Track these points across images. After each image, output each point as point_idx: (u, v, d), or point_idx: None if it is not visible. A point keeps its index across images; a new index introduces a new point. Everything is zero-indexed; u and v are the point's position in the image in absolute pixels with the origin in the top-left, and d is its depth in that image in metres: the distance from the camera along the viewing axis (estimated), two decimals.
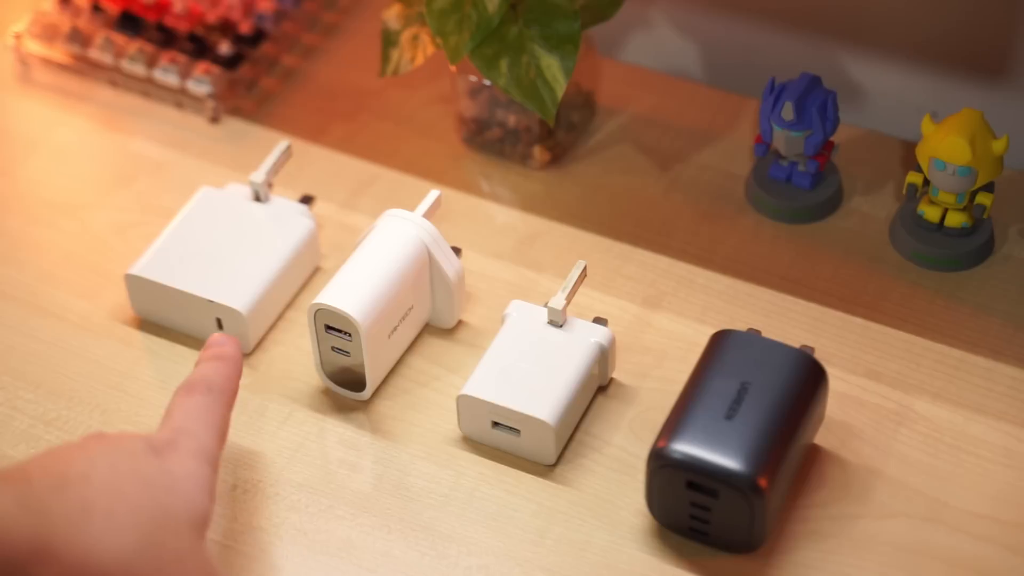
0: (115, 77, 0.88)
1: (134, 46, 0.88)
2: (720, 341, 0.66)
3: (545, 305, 0.70)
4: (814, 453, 0.68)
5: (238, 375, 0.63)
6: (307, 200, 0.78)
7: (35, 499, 0.52)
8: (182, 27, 0.89)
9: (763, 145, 0.79)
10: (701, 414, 0.62)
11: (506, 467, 0.68)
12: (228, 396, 0.62)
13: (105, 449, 0.56)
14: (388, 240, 0.71)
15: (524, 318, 0.70)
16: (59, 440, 0.69)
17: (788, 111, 0.76)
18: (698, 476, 0.61)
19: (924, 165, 0.74)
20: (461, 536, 0.65)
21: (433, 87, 0.87)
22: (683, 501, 0.62)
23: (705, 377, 0.64)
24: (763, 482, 0.61)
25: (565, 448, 0.68)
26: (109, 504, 0.53)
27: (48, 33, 0.90)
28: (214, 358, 0.63)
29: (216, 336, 0.64)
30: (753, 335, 0.67)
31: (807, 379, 0.65)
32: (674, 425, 0.62)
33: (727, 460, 0.61)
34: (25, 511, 0.52)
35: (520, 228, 0.80)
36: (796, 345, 0.66)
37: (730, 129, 0.85)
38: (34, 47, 0.90)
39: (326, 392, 0.72)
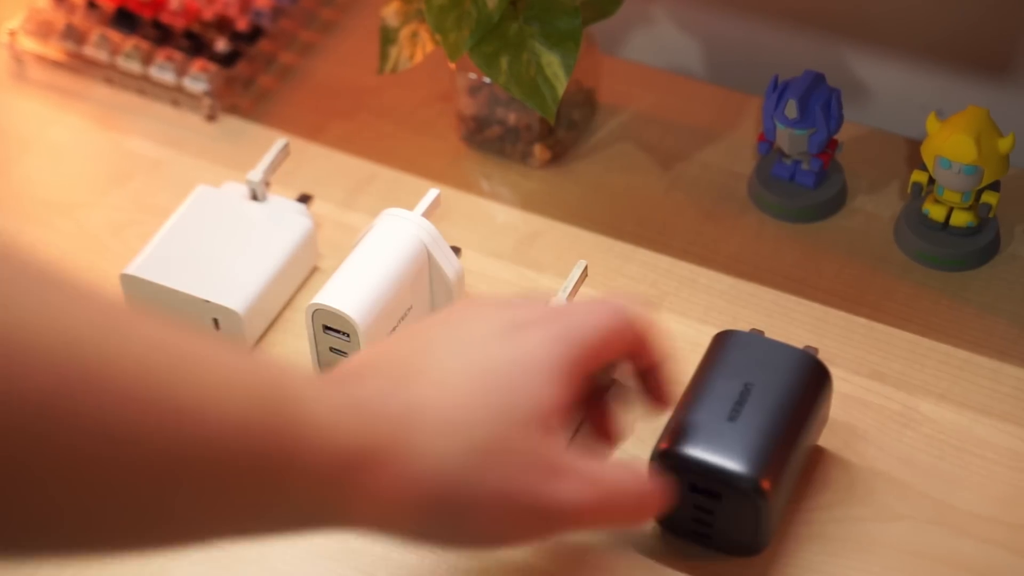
0: (111, 75, 0.88)
1: (130, 43, 0.87)
2: (723, 342, 0.66)
3: None
4: (818, 455, 0.67)
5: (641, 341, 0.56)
6: (305, 199, 0.78)
7: (366, 400, 0.48)
8: (178, 24, 0.89)
9: (766, 143, 0.79)
10: (703, 415, 0.62)
11: None
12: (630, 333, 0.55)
13: (454, 335, 0.51)
14: (387, 240, 0.70)
15: None
16: None
17: (792, 109, 0.75)
18: (701, 478, 0.61)
19: (929, 163, 0.74)
20: None
21: (432, 85, 0.87)
22: (685, 503, 0.62)
23: (708, 378, 0.64)
24: (766, 484, 0.60)
25: None
26: (454, 398, 0.49)
27: (43, 30, 0.89)
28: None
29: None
30: (756, 336, 0.66)
31: (811, 380, 0.64)
32: (676, 427, 0.62)
33: (730, 462, 0.60)
34: (356, 412, 0.47)
35: (520, 227, 0.80)
36: (800, 346, 0.66)
37: (733, 127, 0.85)
38: (28, 44, 0.89)
39: None
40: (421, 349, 0.51)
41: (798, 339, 0.72)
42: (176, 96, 0.87)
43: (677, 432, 0.62)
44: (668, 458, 0.61)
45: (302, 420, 0.45)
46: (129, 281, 0.73)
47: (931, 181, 0.75)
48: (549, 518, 0.50)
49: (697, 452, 0.61)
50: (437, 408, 0.48)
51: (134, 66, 0.87)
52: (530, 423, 0.49)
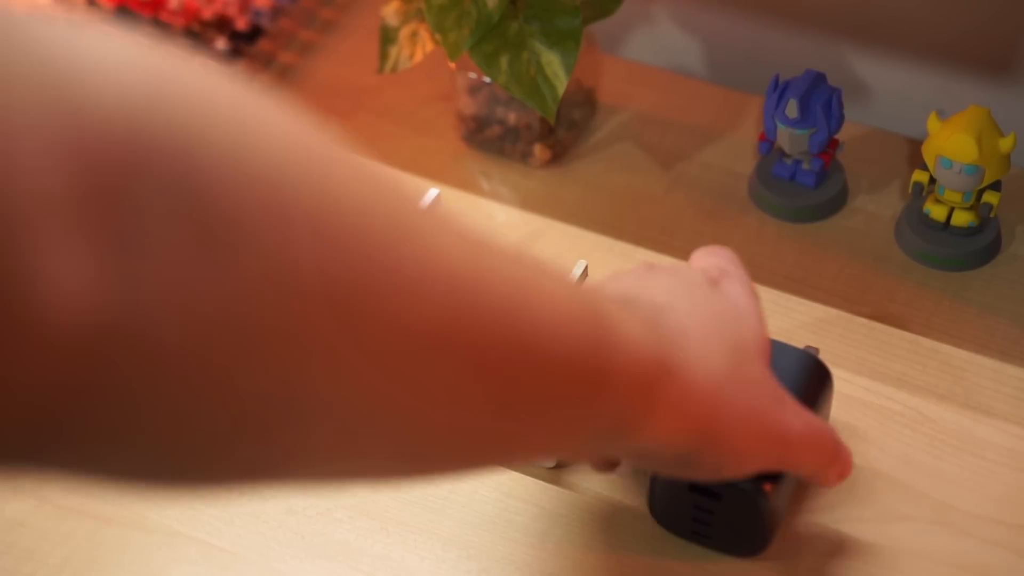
0: None
1: None
2: None
3: None
4: None
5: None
6: None
7: (650, 318, 0.51)
8: (177, 23, 0.88)
9: (767, 143, 0.78)
10: None
11: (506, 469, 0.67)
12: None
13: (676, 281, 0.56)
14: None
15: None
16: None
17: (792, 108, 0.75)
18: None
19: (930, 163, 0.74)
20: (460, 539, 0.65)
21: (432, 84, 0.87)
22: (686, 504, 0.62)
23: None
24: (767, 486, 0.60)
25: None
26: (699, 330, 0.53)
27: None
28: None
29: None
30: None
31: (811, 380, 0.64)
32: None
33: None
34: (651, 328, 0.51)
35: (520, 227, 0.79)
36: (800, 345, 0.66)
37: (733, 127, 0.84)
38: None
39: None
40: (657, 288, 0.54)
41: (799, 339, 0.72)
42: None
43: None
44: None
45: (619, 332, 0.48)
46: None
47: (932, 181, 0.75)
48: (783, 442, 0.56)
49: None
50: (694, 336, 0.52)
51: None
52: (757, 357, 0.55)
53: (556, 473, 0.67)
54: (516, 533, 0.65)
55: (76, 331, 0.31)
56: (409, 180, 0.82)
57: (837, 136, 0.78)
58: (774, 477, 0.60)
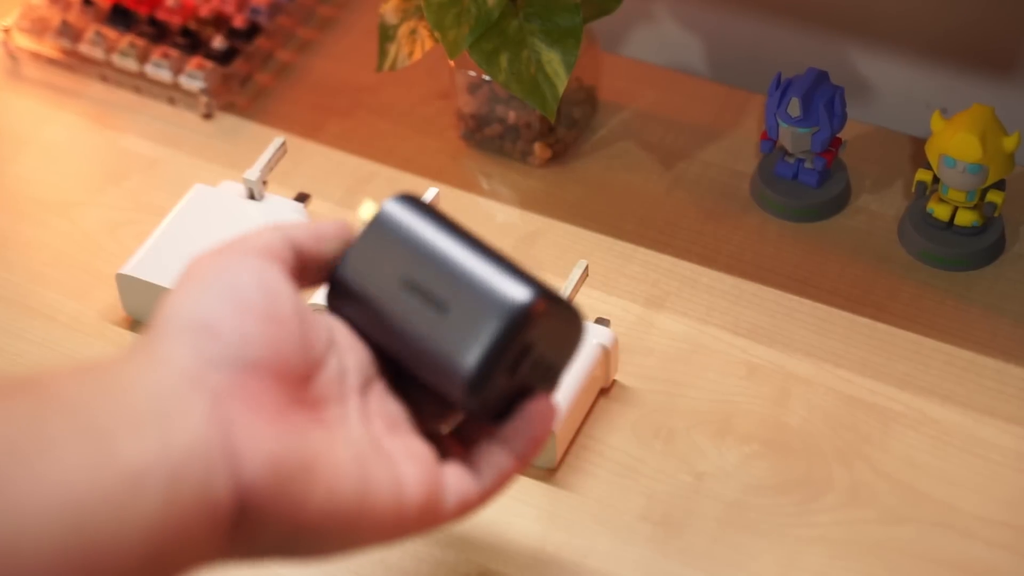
0: (106, 72, 0.87)
1: (125, 40, 0.87)
2: None
3: None
4: (821, 457, 0.67)
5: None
6: (302, 198, 0.78)
7: None
8: (175, 21, 0.88)
9: (769, 142, 0.78)
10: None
11: None
12: None
13: None
14: None
15: None
16: None
17: (795, 107, 0.75)
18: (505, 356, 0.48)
19: (934, 162, 0.74)
20: (460, 542, 0.64)
21: (431, 83, 0.86)
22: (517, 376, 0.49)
23: None
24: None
25: (566, 452, 0.68)
26: None
27: (38, 27, 0.89)
28: None
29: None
30: None
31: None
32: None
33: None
34: None
35: (520, 227, 0.79)
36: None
37: (735, 125, 0.84)
38: (23, 41, 0.89)
39: None
40: None
41: (800, 339, 0.72)
42: (172, 94, 0.86)
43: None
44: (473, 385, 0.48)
45: None
46: (125, 281, 0.72)
47: (935, 180, 0.75)
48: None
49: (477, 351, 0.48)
50: None
51: (130, 64, 0.86)
52: None
53: (556, 475, 0.67)
54: (516, 535, 0.64)
55: None
56: (410, 180, 0.81)
57: (840, 135, 0.78)
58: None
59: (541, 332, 0.48)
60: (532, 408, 0.49)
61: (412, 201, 0.50)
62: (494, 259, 0.49)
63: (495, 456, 0.48)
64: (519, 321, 0.47)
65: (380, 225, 0.49)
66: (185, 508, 0.41)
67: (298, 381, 0.45)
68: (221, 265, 0.47)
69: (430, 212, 0.50)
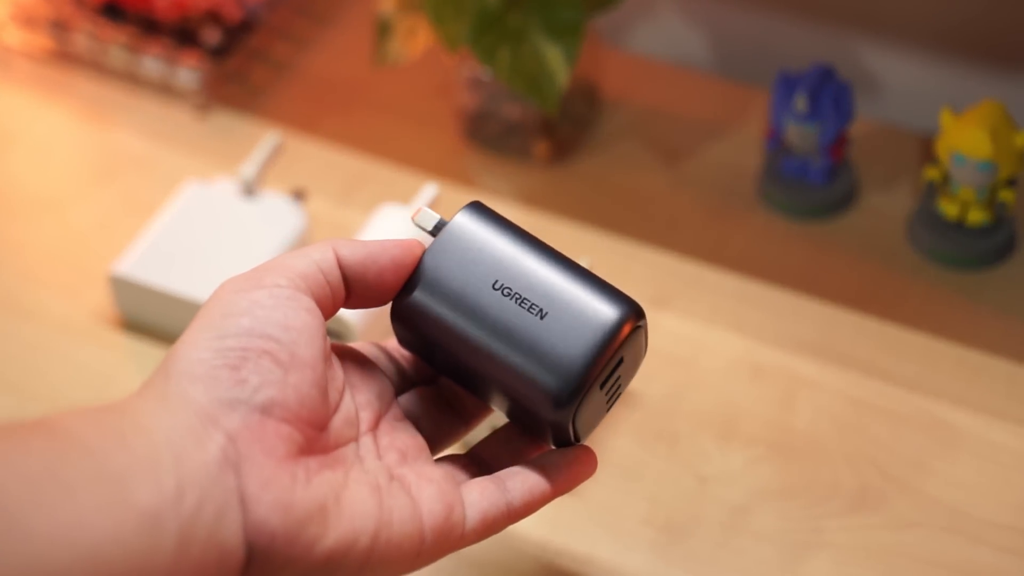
0: (98, 68, 0.87)
1: (118, 36, 0.86)
2: None
3: None
4: (828, 461, 0.66)
5: None
6: (299, 195, 0.77)
7: None
8: (168, 16, 0.88)
9: (775, 139, 0.78)
10: None
11: None
12: None
13: None
14: (383, 237, 0.69)
15: None
16: None
17: (801, 103, 0.75)
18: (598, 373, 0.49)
19: (943, 159, 0.74)
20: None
21: (431, 78, 0.86)
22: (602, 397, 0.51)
23: None
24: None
25: None
26: None
27: (29, 22, 0.88)
28: None
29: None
30: None
31: None
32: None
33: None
34: None
35: (521, 225, 0.78)
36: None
37: (740, 122, 0.84)
38: (14, 37, 0.89)
39: None
40: None
41: (804, 340, 0.71)
42: (165, 90, 0.86)
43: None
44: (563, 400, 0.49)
45: None
46: (117, 281, 0.72)
47: (945, 178, 0.75)
48: None
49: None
50: None
51: (122, 59, 0.86)
52: None
53: None
54: (517, 541, 0.64)
55: None
56: (409, 177, 0.81)
57: (847, 132, 0.77)
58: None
59: (629, 348, 0.49)
60: (579, 449, 0.50)
61: (484, 209, 0.50)
62: (580, 269, 0.49)
63: (527, 475, 0.49)
64: (621, 333, 0.48)
65: (456, 233, 0.49)
66: (198, 550, 0.41)
67: (314, 424, 0.45)
68: (250, 298, 0.46)
69: (505, 220, 0.50)
